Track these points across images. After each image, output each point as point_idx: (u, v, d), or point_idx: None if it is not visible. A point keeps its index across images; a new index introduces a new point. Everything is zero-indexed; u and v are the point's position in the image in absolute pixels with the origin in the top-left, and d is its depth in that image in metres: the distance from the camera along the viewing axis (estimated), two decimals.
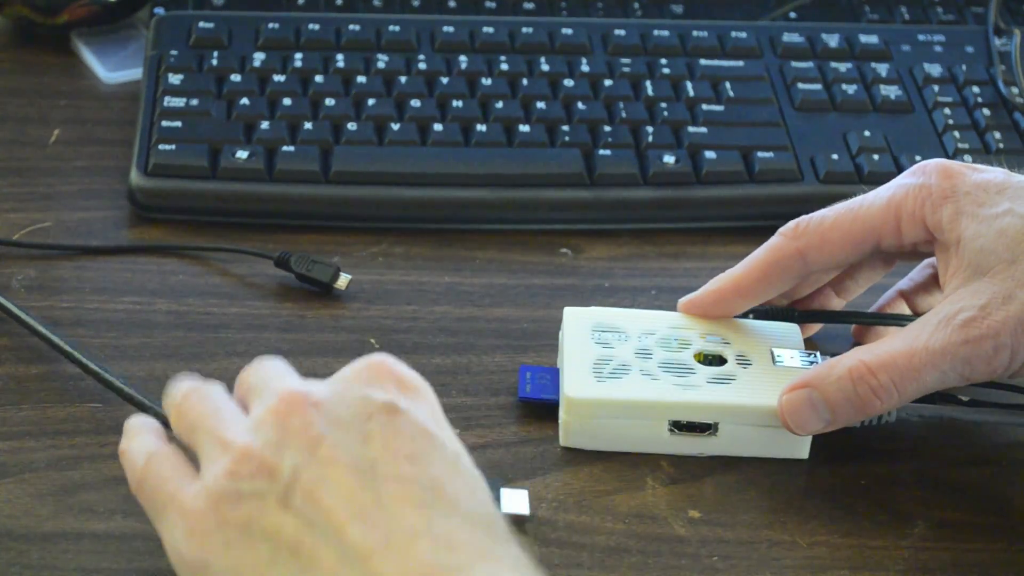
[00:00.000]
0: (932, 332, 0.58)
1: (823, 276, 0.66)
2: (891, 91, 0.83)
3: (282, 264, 0.71)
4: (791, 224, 0.63)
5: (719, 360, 0.63)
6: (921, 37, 0.87)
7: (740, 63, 0.84)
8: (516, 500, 0.59)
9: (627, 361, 0.62)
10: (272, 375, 0.52)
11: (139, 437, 0.53)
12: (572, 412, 0.61)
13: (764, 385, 0.61)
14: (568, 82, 0.81)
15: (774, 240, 0.63)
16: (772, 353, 0.63)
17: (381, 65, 0.81)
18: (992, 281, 0.58)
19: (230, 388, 0.54)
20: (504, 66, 0.81)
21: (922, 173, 0.62)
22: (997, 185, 0.60)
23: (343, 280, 0.70)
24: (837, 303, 0.68)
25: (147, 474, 0.52)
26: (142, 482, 0.52)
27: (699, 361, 0.63)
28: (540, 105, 0.79)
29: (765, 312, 0.66)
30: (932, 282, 0.66)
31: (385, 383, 0.50)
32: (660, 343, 0.64)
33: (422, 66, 0.81)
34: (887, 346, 0.59)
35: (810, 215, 0.63)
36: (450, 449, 0.49)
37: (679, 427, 0.61)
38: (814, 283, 0.66)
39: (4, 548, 0.56)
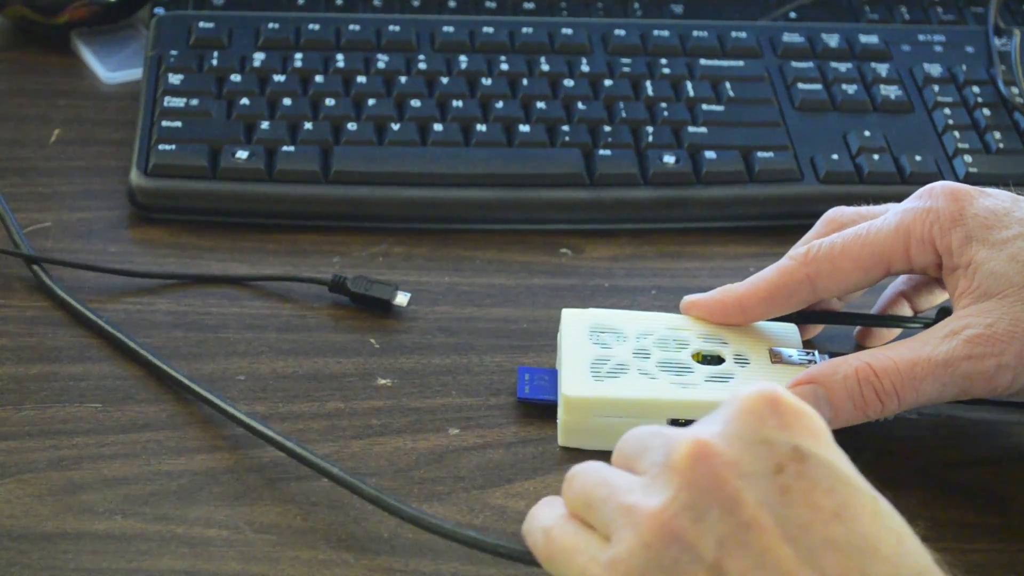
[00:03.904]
0: (937, 344, 0.58)
1: (832, 301, 0.66)
2: (891, 91, 0.83)
3: (338, 288, 0.69)
4: (802, 249, 0.63)
5: (717, 360, 0.63)
6: (921, 37, 0.87)
7: (740, 63, 0.84)
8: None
9: (625, 361, 0.62)
10: (650, 435, 0.49)
11: (537, 513, 0.52)
12: (570, 411, 0.61)
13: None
14: (568, 82, 0.81)
15: (784, 263, 0.63)
16: (770, 352, 0.63)
17: (381, 65, 0.81)
18: (1001, 302, 0.58)
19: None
20: (504, 66, 0.81)
21: (929, 196, 0.62)
22: (1005, 209, 0.61)
23: (402, 298, 0.69)
24: (837, 304, 0.68)
25: (551, 550, 0.50)
26: (550, 559, 0.50)
27: (697, 361, 0.63)
28: (540, 105, 0.79)
29: None
30: (932, 281, 0.66)
31: (779, 419, 0.46)
32: (658, 343, 0.64)
33: (422, 66, 0.81)
34: (892, 352, 0.59)
35: (820, 240, 0.63)
36: (866, 492, 0.46)
37: (677, 426, 0.61)
38: (822, 304, 0.66)
39: (4, 548, 0.56)
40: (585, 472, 0.50)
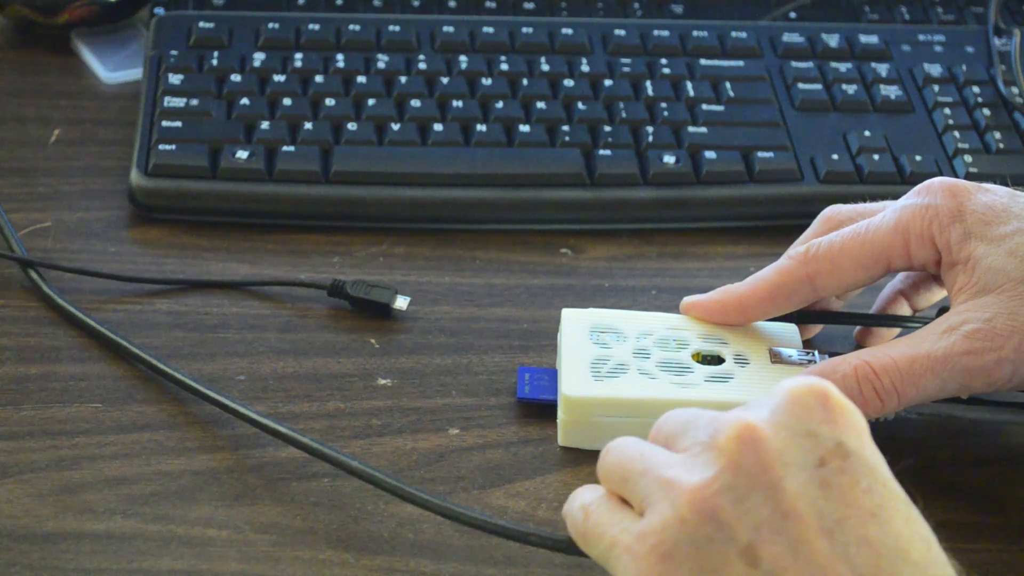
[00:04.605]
0: (936, 340, 0.58)
1: (832, 300, 0.66)
2: (891, 91, 0.83)
3: (336, 292, 0.69)
4: (801, 248, 0.63)
5: (717, 360, 0.63)
6: (921, 37, 0.87)
7: (740, 63, 0.84)
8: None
9: (625, 361, 0.62)
10: (692, 415, 0.50)
11: (578, 493, 0.52)
12: (570, 411, 0.61)
13: (762, 384, 0.61)
14: (568, 82, 0.81)
15: (783, 263, 0.63)
16: (770, 352, 0.63)
17: (381, 65, 0.81)
18: (999, 297, 0.58)
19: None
20: (504, 66, 0.81)
21: (927, 193, 0.62)
22: (1003, 204, 0.61)
23: (402, 302, 0.69)
24: (836, 304, 0.68)
25: (587, 526, 0.50)
26: (585, 536, 0.50)
27: (697, 361, 0.63)
28: (540, 105, 0.79)
29: None
30: (930, 279, 0.66)
31: (827, 413, 0.47)
32: (658, 343, 0.64)
33: (422, 66, 0.81)
34: (890, 350, 0.59)
35: (819, 239, 0.63)
36: (901, 497, 0.47)
37: None
38: (821, 304, 0.66)
39: (5, 548, 0.56)
40: (622, 446, 0.50)
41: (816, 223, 0.66)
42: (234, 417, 0.61)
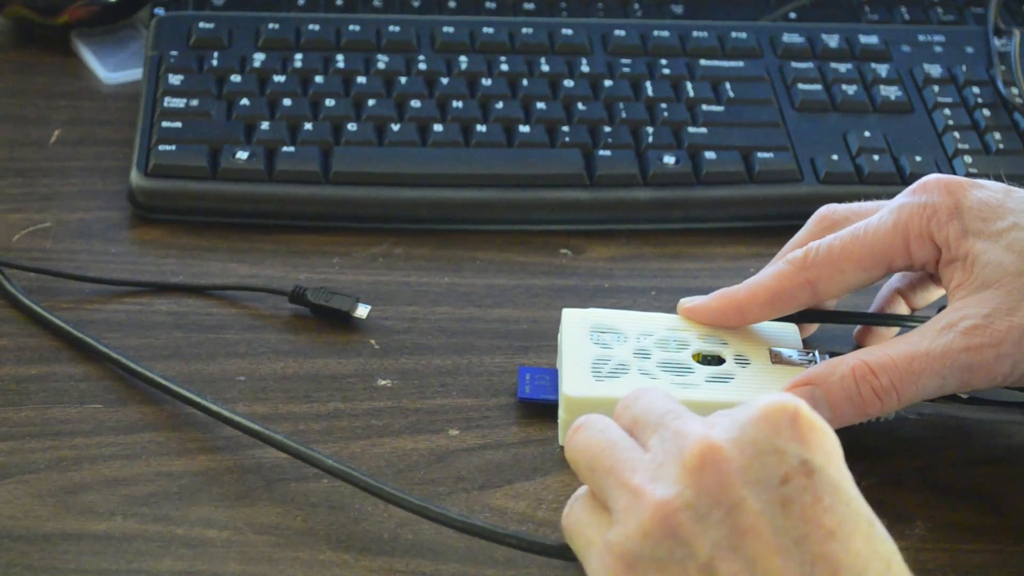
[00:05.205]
0: (934, 337, 0.58)
1: (831, 301, 0.66)
2: (891, 91, 0.83)
3: (297, 299, 0.69)
4: (799, 253, 0.62)
5: (717, 360, 0.63)
6: (921, 37, 0.87)
7: (740, 63, 0.84)
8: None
9: (626, 361, 0.62)
10: (661, 408, 0.51)
11: (576, 495, 0.53)
12: (571, 411, 0.61)
13: (763, 384, 0.61)
14: (568, 82, 0.81)
15: (782, 268, 0.63)
16: (770, 353, 0.63)
17: (381, 65, 0.81)
18: (997, 292, 0.58)
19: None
20: (504, 66, 0.81)
21: (924, 191, 0.62)
22: (999, 200, 0.61)
23: (362, 310, 0.69)
24: (830, 303, 0.67)
25: (569, 521, 0.52)
26: (568, 531, 0.53)
27: (697, 361, 0.63)
28: (540, 105, 0.79)
29: None
30: (927, 278, 0.66)
31: (794, 431, 0.47)
32: (658, 344, 0.64)
33: (422, 66, 0.81)
34: (889, 348, 0.59)
35: (818, 242, 0.62)
36: (863, 515, 0.47)
37: None
38: (819, 305, 0.66)
39: (5, 549, 0.56)
40: (588, 429, 0.52)
41: (811, 223, 0.65)
42: (218, 421, 0.62)
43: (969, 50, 0.87)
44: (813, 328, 0.67)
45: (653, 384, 0.61)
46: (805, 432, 0.47)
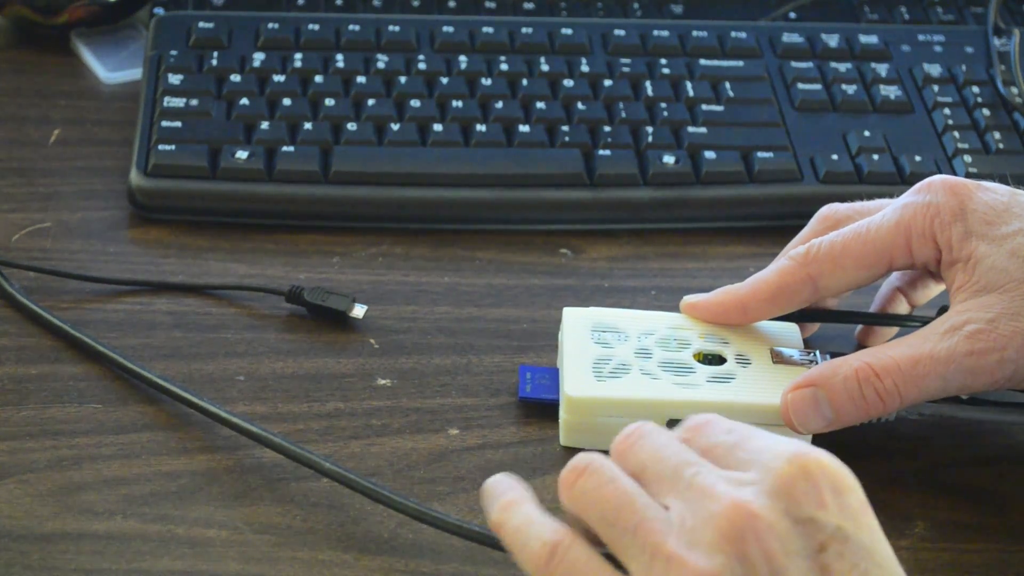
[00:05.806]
0: (938, 340, 0.58)
1: (832, 300, 0.66)
2: (891, 91, 0.83)
3: (294, 299, 0.69)
4: (801, 249, 0.63)
5: (718, 359, 0.63)
6: (921, 37, 0.87)
7: (740, 63, 0.84)
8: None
9: (627, 360, 0.62)
10: (672, 458, 0.48)
11: (518, 510, 0.49)
12: (572, 411, 0.61)
13: (764, 384, 0.61)
14: (568, 82, 0.81)
15: (784, 264, 0.63)
16: (771, 352, 0.63)
17: (381, 65, 0.81)
18: (1002, 297, 0.58)
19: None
20: (504, 66, 0.81)
21: (928, 191, 0.62)
22: (1004, 204, 0.61)
23: (359, 310, 0.68)
24: (831, 302, 0.67)
25: (563, 566, 0.47)
26: (555, 570, 0.47)
27: (698, 360, 0.63)
28: (540, 105, 0.79)
29: None
30: (927, 276, 0.66)
31: (824, 492, 0.46)
32: (659, 343, 0.64)
33: (422, 66, 0.81)
34: (892, 351, 0.59)
35: (820, 239, 0.62)
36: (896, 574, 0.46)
37: (676, 425, 0.61)
38: (820, 303, 0.66)
39: (4, 549, 0.56)
40: (595, 475, 0.48)
41: (813, 222, 0.65)
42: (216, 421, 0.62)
43: (969, 50, 0.87)
44: (814, 328, 0.67)
45: (656, 384, 0.61)
46: (830, 489, 0.46)
